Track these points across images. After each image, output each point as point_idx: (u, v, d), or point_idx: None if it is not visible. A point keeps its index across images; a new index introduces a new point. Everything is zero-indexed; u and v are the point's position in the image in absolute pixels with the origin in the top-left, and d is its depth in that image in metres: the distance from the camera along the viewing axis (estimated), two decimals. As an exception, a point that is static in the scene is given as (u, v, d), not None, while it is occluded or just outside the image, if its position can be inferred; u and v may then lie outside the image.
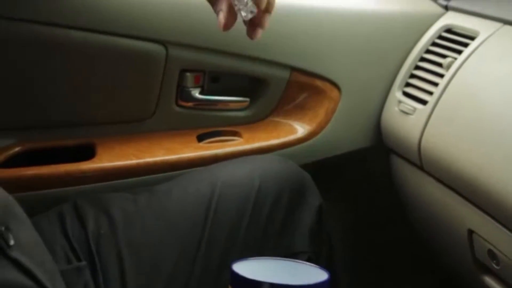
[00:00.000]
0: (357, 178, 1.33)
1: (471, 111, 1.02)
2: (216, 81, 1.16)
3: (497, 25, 1.10)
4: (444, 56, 1.15)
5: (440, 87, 1.11)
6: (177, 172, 1.07)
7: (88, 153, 1.07)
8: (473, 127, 1.00)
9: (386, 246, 1.40)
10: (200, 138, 1.14)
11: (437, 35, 1.20)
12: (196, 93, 1.13)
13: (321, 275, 0.69)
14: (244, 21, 0.82)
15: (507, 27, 1.08)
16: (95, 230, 0.86)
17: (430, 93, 1.13)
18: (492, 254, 0.97)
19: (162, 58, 1.07)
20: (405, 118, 1.16)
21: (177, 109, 1.13)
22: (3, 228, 0.70)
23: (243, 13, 0.78)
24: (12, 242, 0.70)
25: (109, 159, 1.06)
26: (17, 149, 1.05)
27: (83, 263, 0.82)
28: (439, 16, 1.23)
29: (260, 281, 0.65)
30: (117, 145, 1.08)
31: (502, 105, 0.97)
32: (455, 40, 1.16)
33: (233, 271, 0.67)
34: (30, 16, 0.99)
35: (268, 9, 0.80)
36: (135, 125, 1.12)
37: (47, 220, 0.88)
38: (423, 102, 1.13)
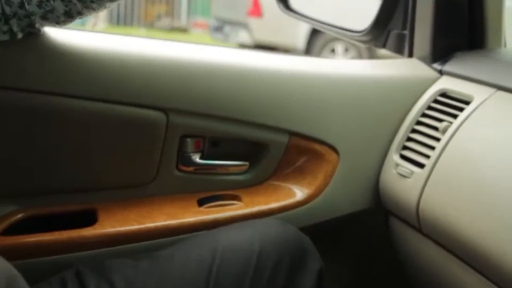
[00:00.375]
0: (357, 240, 1.34)
1: (468, 175, 1.04)
2: (216, 145, 1.18)
3: (491, 90, 1.13)
4: (440, 120, 1.17)
5: (437, 150, 1.12)
6: (178, 237, 1.08)
7: (90, 218, 1.08)
8: (470, 191, 1.01)
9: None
10: (201, 203, 1.15)
11: (432, 99, 1.23)
12: (196, 158, 1.15)
13: None
14: None
15: (501, 92, 1.11)
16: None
17: (427, 156, 1.14)
18: (494, 320, 0.97)
19: (163, 124, 1.09)
20: (403, 181, 1.18)
21: (178, 173, 1.15)
22: None
23: None
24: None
25: (111, 224, 1.06)
26: (19, 215, 1.05)
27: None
28: (434, 81, 1.26)
29: None
30: (118, 211, 1.09)
31: (498, 170, 0.99)
32: (450, 104, 1.18)
33: None
34: (34, 86, 1.02)
35: None
36: (137, 190, 1.13)
37: (48, 287, 0.88)
38: (421, 165, 1.15)
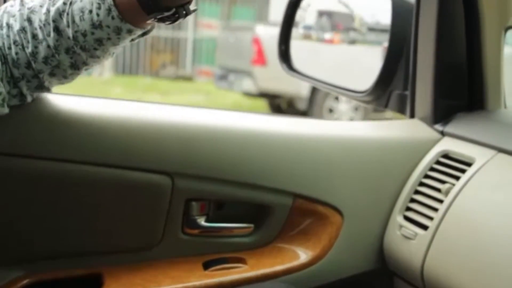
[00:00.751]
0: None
1: (471, 237, 1.05)
2: (221, 208, 1.20)
3: (492, 152, 1.14)
4: (442, 182, 1.18)
5: (440, 212, 1.13)
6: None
7: (95, 282, 1.08)
8: (474, 254, 1.02)
9: None
10: (206, 266, 1.16)
11: (434, 160, 1.24)
12: (201, 221, 1.16)
13: None
14: None
15: (501, 154, 1.12)
16: None
17: (431, 218, 1.15)
18: None
19: (168, 188, 1.11)
20: (407, 242, 1.18)
21: (184, 236, 1.16)
22: None
23: None
24: None
25: None
26: (25, 281, 1.06)
27: None
28: (436, 142, 1.27)
29: None
30: (124, 275, 1.10)
31: (501, 234, 1.00)
32: (452, 166, 1.19)
33: None
34: (38, 152, 1.04)
35: None
36: (142, 253, 1.14)
37: None
38: (424, 227, 1.16)
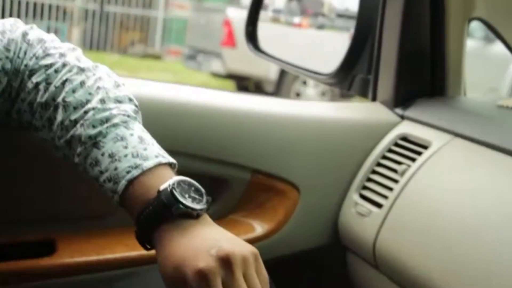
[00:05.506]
0: (315, 275, 1.35)
1: (423, 217, 1.07)
2: (177, 180, 1.19)
3: (449, 136, 1.17)
4: (399, 163, 1.20)
5: (395, 192, 1.16)
6: (138, 268, 1.08)
7: (48, 249, 1.08)
8: (425, 232, 1.05)
9: None
10: (161, 235, 1.16)
11: (393, 142, 1.26)
12: (158, 191, 1.16)
13: None
14: None
15: (458, 139, 1.15)
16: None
17: (386, 197, 1.17)
18: None
19: None
20: (361, 219, 1.21)
21: (140, 206, 1.15)
22: None
23: None
24: None
25: (70, 255, 1.07)
26: None
27: None
28: (395, 125, 1.29)
29: None
30: (78, 241, 1.09)
31: (450, 216, 1.02)
32: (409, 148, 1.22)
33: None
34: None
35: None
36: (97, 221, 1.14)
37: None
38: (379, 205, 1.18)
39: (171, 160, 0.82)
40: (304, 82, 6.88)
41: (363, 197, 1.24)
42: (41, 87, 0.87)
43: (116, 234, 1.13)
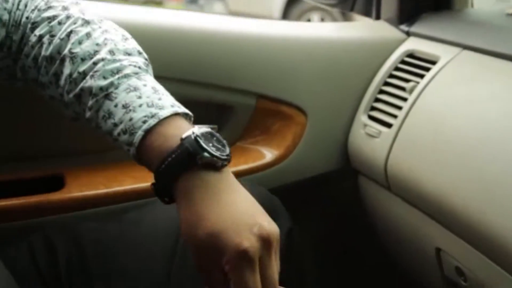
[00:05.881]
0: (326, 200, 1.35)
1: (434, 133, 1.05)
2: (182, 109, 1.17)
3: (457, 50, 1.13)
4: (407, 80, 1.18)
5: (404, 110, 1.13)
6: (147, 200, 1.07)
7: (56, 184, 1.07)
8: (436, 149, 1.03)
9: (356, 267, 1.41)
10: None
11: (399, 60, 1.23)
12: (164, 122, 1.14)
13: None
14: None
15: (466, 52, 1.12)
16: (65, 261, 0.86)
17: (395, 116, 1.15)
18: (459, 271, 0.98)
19: None
20: (371, 141, 1.19)
21: (146, 137, 1.14)
22: None
23: None
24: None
25: (79, 189, 1.06)
26: None
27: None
28: (401, 42, 1.26)
29: None
30: (86, 175, 1.09)
31: (462, 128, 1.00)
32: (417, 65, 1.19)
33: None
34: None
35: None
36: (104, 155, 1.13)
37: (16, 251, 0.87)
38: (388, 125, 1.16)
39: (187, 111, 0.78)
40: (308, 20, 6.79)
41: (372, 118, 1.22)
42: (45, 39, 0.82)
43: (124, 167, 1.11)
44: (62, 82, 0.80)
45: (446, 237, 0.99)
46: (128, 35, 0.84)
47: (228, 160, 0.73)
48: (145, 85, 0.77)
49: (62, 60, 0.80)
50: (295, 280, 0.99)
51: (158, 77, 1.10)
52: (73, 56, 0.79)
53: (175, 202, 0.72)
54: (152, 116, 0.73)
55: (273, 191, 1.05)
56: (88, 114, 0.78)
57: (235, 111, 1.19)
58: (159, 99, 0.76)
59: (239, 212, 0.70)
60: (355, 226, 1.35)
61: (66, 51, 0.80)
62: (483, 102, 1.01)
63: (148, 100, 0.75)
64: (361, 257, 1.40)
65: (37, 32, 0.83)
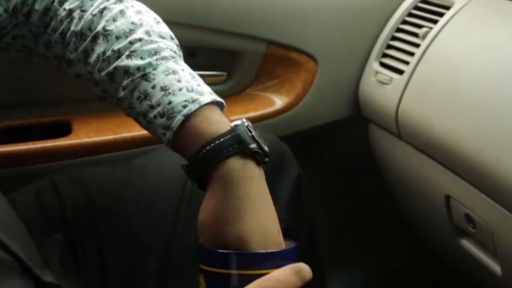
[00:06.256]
0: (336, 148, 1.34)
1: (447, 79, 1.03)
2: (192, 56, 1.16)
3: (472, -6, 1.10)
4: (420, 26, 1.15)
5: (416, 56, 1.11)
6: (154, 146, 1.06)
7: (64, 130, 1.07)
8: (449, 96, 1.01)
9: (365, 214, 1.41)
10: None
11: (413, 5, 1.20)
12: (173, 68, 1.13)
13: (289, 244, 0.69)
14: None
15: (482, -5, 1.09)
16: (72, 203, 0.86)
17: (407, 63, 1.13)
18: (469, 218, 0.98)
19: None
20: (382, 88, 1.17)
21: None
22: None
23: None
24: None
25: (86, 134, 1.05)
26: None
27: (59, 235, 0.81)
28: (414, -14, 1.23)
29: (225, 252, 0.65)
30: (94, 121, 1.08)
31: (476, 74, 0.98)
32: (430, 10, 1.16)
33: (201, 245, 0.67)
34: None
35: None
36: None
37: (24, 195, 0.87)
38: (400, 72, 1.14)
39: (222, 100, 0.74)
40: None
41: (384, 65, 1.20)
42: (75, 14, 0.78)
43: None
44: (92, 59, 0.77)
45: (456, 184, 0.98)
46: (159, 19, 0.81)
47: (268, 157, 0.71)
48: (183, 70, 0.74)
49: (95, 37, 0.77)
50: (304, 227, 0.99)
51: (166, 23, 1.09)
52: (107, 34, 0.76)
53: (208, 186, 0.69)
54: (193, 101, 0.70)
55: (283, 139, 1.04)
56: (121, 93, 0.75)
57: (245, 57, 1.18)
58: (198, 85, 0.73)
59: (268, 220, 0.69)
60: (364, 174, 1.34)
61: (100, 27, 0.77)
62: (499, 47, 0.99)
63: (188, 85, 0.72)
64: (370, 205, 1.40)
65: (67, 6, 0.79)
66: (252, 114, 1.16)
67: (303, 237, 0.97)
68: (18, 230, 0.75)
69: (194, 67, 1.13)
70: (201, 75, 1.13)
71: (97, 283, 0.84)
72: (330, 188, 1.37)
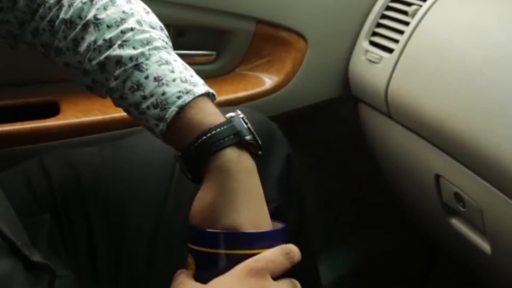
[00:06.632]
0: (326, 128, 1.34)
1: (436, 58, 1.03)
2: (181, 35, 1.15)
3: (461, -29, 1.10)
4: (409, 4, 1.14)
5: (406, 35, 1.11)
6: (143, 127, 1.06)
7: (52, 111, 1.06)
8: (438, 74, 1.01)
9: (355, 193, 1.41)
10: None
11: (402, -17, 1.20)
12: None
13: (277, 225, 0.69)
14: None
15: (471, -27, 1.08)
16: (60, 183, 0.85)
17: (396, 41, 1.13)
18: (458, 197, 0.98)
19: None
20: (372, 67, 1.17)
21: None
22: None
23: None
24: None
25: (74, 115, 1.04)
26: None
27: (46, 215, 0.81)
28: (404, -36, 1.22)
29: (214, 231, 0.65)
30: (81, 101, 1.07)
31: (465, 52, 0.97)
32: (420, -12, 1.15)
33: (190, 225, 0.67)
34: None
35: None
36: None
37: (11, 175, 0.87)
38: (389, 50, 1.13)
39: (214, 91, 0.74)
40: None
41: (373, 43, 1.19)
42: (65, 2, 0.77)
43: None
44: (83, 48, 0.75)
45: (446, 163, 0.98)
46: (148, 9, 0.80)
47: (261, 150, 0.71)
48: (175, 60, 0.73)
49: (85, 26, 0.75)
50: (294, 207, 0.99)
51: (155, 0, 1.08)
52: (98, 22, 0.75)
53: (204, 178, 0.68)
54: (187, 92, 0.70)
55: (273, 119, 1.03)
56: (112, 83, 0.74)
57: (234, 36, 1.17)
58: (191, 75, 0.72)
59: (261, 213, 0.69)
60: (355, 154, 1.34)
61: (90, 16, 0.75)
62: (489, 25, 0.98)
63: (181, 75, 0.71)
64: (360, 185, 1.40)
65: None
66: (242, 93, 1.16)
67: (293, 218, 0.97)
68: (5, 210, 0.74)
69: (183, 46, 1.15)
70: (190, 55, 1.15)
71: (86, 263, 0.83)
72: (320, 168, 1.37)
